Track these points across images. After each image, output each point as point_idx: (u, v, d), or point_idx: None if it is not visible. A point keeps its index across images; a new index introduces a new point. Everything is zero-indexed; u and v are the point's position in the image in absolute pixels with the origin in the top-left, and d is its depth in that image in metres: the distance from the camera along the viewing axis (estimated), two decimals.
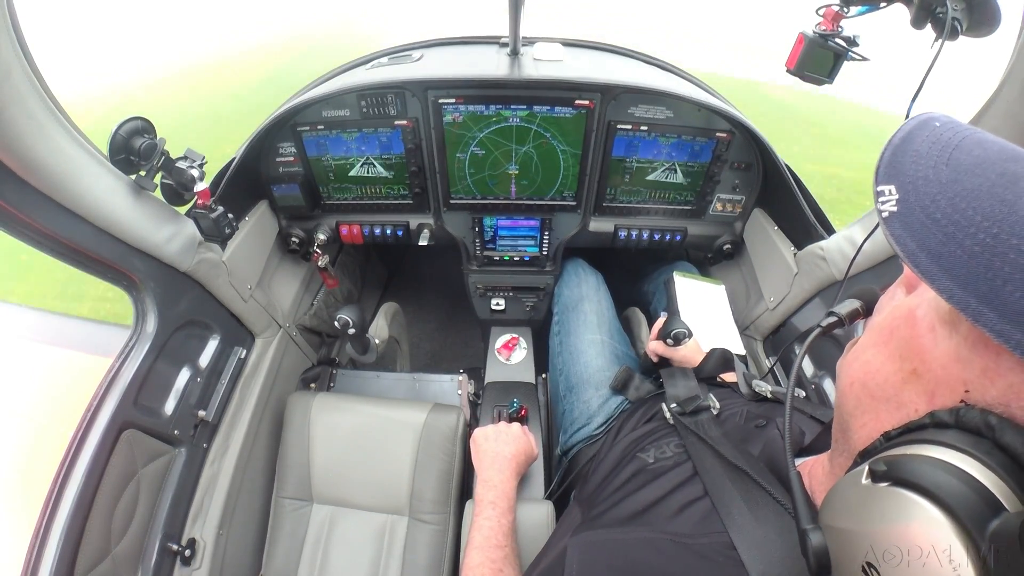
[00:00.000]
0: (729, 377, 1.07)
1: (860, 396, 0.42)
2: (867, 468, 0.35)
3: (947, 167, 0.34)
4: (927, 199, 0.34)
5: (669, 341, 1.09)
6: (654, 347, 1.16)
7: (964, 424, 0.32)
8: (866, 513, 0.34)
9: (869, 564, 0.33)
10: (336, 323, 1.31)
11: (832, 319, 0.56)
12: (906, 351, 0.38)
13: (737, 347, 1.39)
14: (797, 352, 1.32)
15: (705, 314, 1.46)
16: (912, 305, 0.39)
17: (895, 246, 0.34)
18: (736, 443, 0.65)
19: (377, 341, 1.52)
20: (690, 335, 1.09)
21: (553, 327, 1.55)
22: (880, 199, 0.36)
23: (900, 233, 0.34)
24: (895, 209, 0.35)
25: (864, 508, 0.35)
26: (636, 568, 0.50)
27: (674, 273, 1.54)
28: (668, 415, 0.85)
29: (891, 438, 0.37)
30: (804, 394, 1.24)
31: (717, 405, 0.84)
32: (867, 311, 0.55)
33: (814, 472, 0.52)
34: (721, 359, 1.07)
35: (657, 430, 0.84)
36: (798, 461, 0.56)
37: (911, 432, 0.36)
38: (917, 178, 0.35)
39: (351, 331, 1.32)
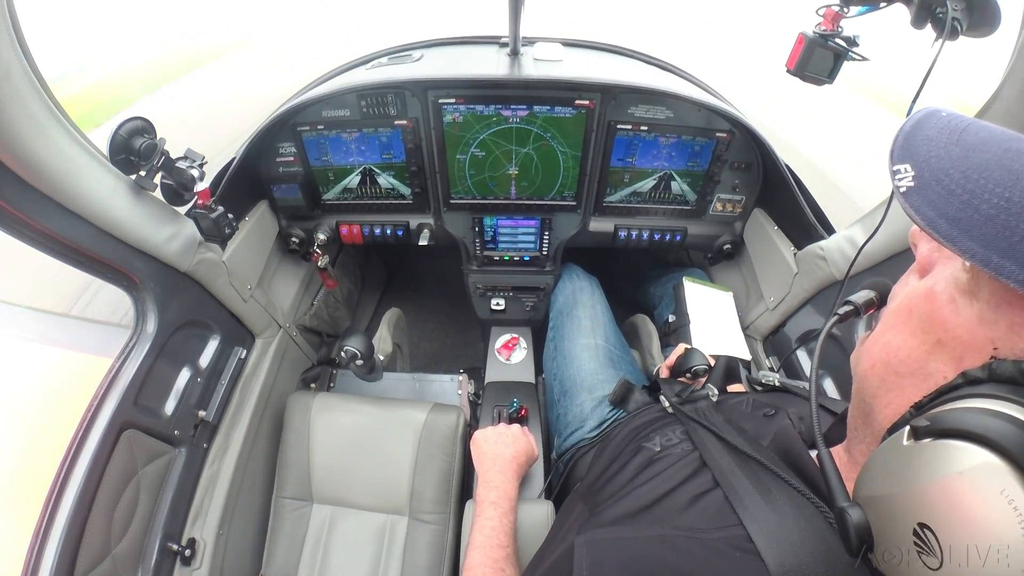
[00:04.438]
0: (734, 388, 1.05)
1: (883, 375, 0.42)
2: (908, 429, 0.35)
3: (957, 146, 0.36)
4: (941, 173, 0.36)
5: (688, 376, 1.03)
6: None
7: (998, 376, 0.33)
8: (913, 472, 0.34)
9: (922, 524, 0.33)
10: (343, 354, 1.30)
11: (848, 307, 0.56)
12: (928, 324, 0.39)
13: (743, 353, 1.40)
14: (798, 352, 1.33)
15: (713, 320, 1.47)
16: (929, 284, 0.40)
17: (915, 217, 0.36)
18: (740, 430, 0.64)
19: (382, 357, 1.50)
20: (710, 368, 1.03)
21: (548, 332, 1.56)
22: (897, 176, 0.38)
23: (919, 204, 0.36)
24: (912, 184, 0.37)
25: (910, 468, 0.34)
26: (650, 567, 0.49)
27: (684, 278, 1.55)
28: (667, 405, 0.83)
29: (922, 406, 0.37)
30: (806, 386, 1.24)
31: (715, 392, 0.83)
32: (881, 301, 0.56)
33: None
34: (725, 370, 1.03)
35: (658, 419, 0.81)
36: (811, 453, 0.55)
37: (944, 395, 0.36)
38: (930, 156, 0.37)
39: (359, 363, 1.31)
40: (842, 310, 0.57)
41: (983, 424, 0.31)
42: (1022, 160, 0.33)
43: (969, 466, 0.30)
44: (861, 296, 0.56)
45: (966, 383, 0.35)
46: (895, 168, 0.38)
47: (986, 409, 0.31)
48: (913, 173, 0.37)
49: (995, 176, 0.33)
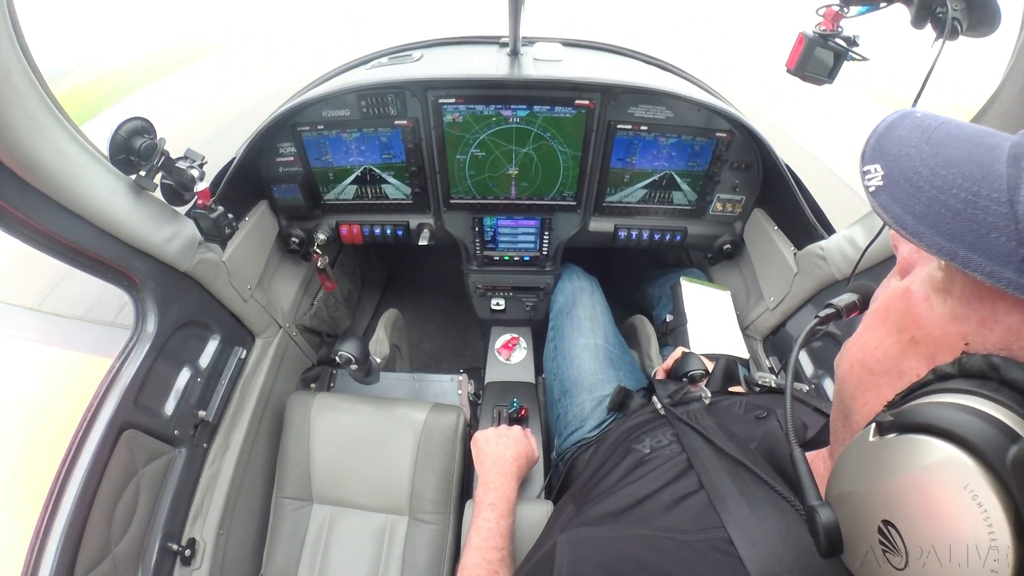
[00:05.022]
0: (735, 389, 1.04)
1: (860, 375, 0.42)
2: (873, 425, 0.35)
3: (928, 144, 0.37)
4: (910, 171, 0.36)
5: (684, 380, 1.02)
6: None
7: (967, 370, 0.33)
8: (877, 468, 0.33)
9: (886, 522, 0.32)
10: (337, 359, 1.30)
11: (829, 311, 0.56)
12: (903, 323, 0.39)
13: (742, 351, 1.40)
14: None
15: (711, 318, 1.47)
16: (906, 283, 0.40)
17: (882, 214, 0.36)
18: (730, 433, 0.64)
19: (379, 360, 1.50)
20: (706, 373, 1.02)
21: (548, 333, 1.56)
22: (866, 176, 0.38)
23: (887, 202, 0.36)
24: (881, 183, 0.37)
25: (874, 463, 0.34)
26: (630, 566, 0.49)
27: (681, 278, 1.55)
28: (659, 407, 0.83)
29: (894, 404, 0.37)
30: (806, 388, 1.24)
31: (708, 394, 0.83)
32: (864, 304, 0.55)
33: (814, 467, 0.50)
34: (724, 373, 1.01)
35: (650, 420, 0.81)
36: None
37: (915, 391, 0.36)
38: (900, 155, 0.37)
39: (353, 367, 1.31)
40: (823, 313, 0.56)
41: (947, 418, 0.30)
42: (993, 154, 0.33)
43: (932, 461, 0.30)
44: (843, 300, 0.56)
45: (936, 379, 0.35)
46: (865, 168, 0.39)
47: (952, 403, 0.31)
48: (883, 172, 0.37)
49: (964, 171, 0.33)
